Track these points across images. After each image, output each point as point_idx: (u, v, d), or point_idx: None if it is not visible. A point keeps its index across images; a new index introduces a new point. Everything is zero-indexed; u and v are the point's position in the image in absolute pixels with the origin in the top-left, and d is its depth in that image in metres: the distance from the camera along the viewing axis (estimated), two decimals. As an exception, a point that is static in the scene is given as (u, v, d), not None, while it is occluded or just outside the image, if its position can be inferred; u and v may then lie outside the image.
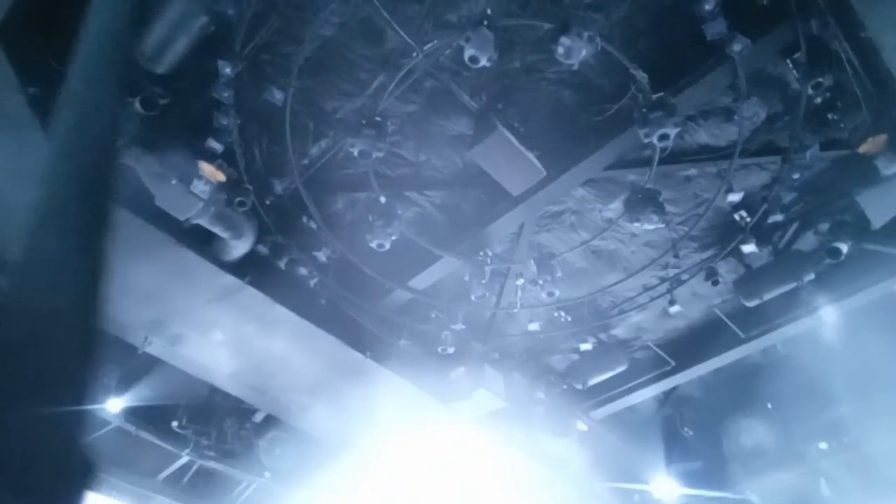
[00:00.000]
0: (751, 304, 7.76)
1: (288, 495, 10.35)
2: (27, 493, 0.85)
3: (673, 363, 9.43)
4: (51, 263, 1.02)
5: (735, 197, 7.28)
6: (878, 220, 6.79)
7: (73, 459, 0.92)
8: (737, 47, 5.84)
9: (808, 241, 7.96)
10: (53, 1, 5.31)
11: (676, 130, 6.09)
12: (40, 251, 1.02)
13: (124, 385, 8.83)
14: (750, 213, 7.46)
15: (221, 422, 9.81)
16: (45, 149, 1.11)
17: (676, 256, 7.98)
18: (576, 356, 9.41)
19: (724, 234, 8.02)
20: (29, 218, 1.03)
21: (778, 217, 7.41)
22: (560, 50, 5.59)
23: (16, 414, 0.90)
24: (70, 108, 1.17)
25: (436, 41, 6.19)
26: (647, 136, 6.12)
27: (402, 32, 6.12)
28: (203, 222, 6.64)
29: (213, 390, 9.31)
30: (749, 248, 7.47)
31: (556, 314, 8.87)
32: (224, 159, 6.52)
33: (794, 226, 7.94)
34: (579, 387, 9.28)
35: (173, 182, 6.22)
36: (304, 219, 7.59)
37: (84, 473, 0.93)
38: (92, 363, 0.99)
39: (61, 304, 1.00)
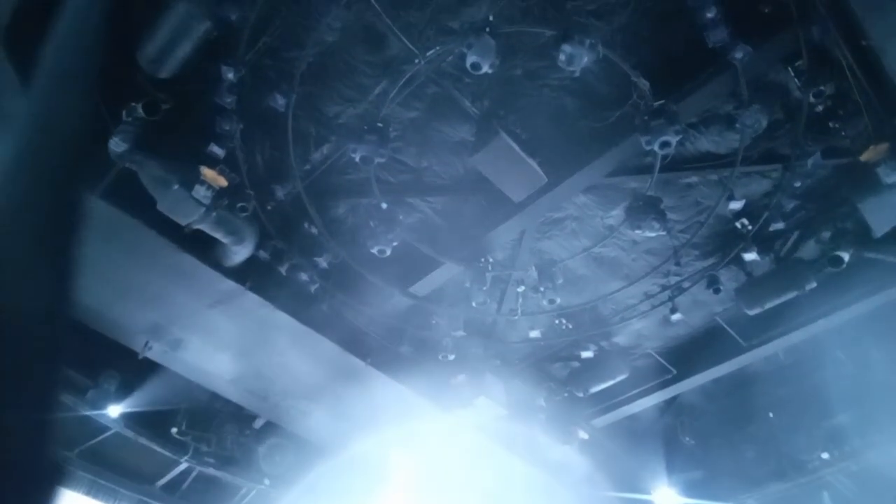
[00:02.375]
0: (752, 312, 7.73)
1: (287, 502, 10.29)
2: None
3: (674, 371, 9.40)
4: (15, 264, 1.00)
5: (736, 205, 7.28)
6: (879, 229, 6.79)
7: (41, 464, 0.90)
8: (738, 55, 5.85)
9: (809, 250, 7.94)
10: (57, 4, 5.34)
11: (678, 138, 6.10)
12: (4, 252, 1.00)
13: (124, 390, 8.80)
14: (751, 221, 7.46)
15: (221, 428, 9.78)
16: (9, 145, 1.08)
17: (678, 264, 7.97)
18: (577, 364, 9.38)
19: (725, 242, 8.00)
20: None
21: (779, 225, 7.40)
22: (562, 57, 5.62)
23: None
24: (36, 106, 1.15)
25: (438, 48, 6.21)
26: (648, 143, 6.13)
27: (404, 39, 6.14)
28: (204, 227, 6.64)
29: (213, 396, 9.29)
30: (750, 256, 7.45)
31: (557, 321, 8.85)
32: (226, 164, 6.53)
33: (796, 234, 7.93)
34: (580, 395, 9.26)
35: (175, 187, 6.23)
36: (306, 224, 7.59)
37: (51, 478, 0.91)
38: (58, 366, 0.97)
39: (26, 306, 0.97)
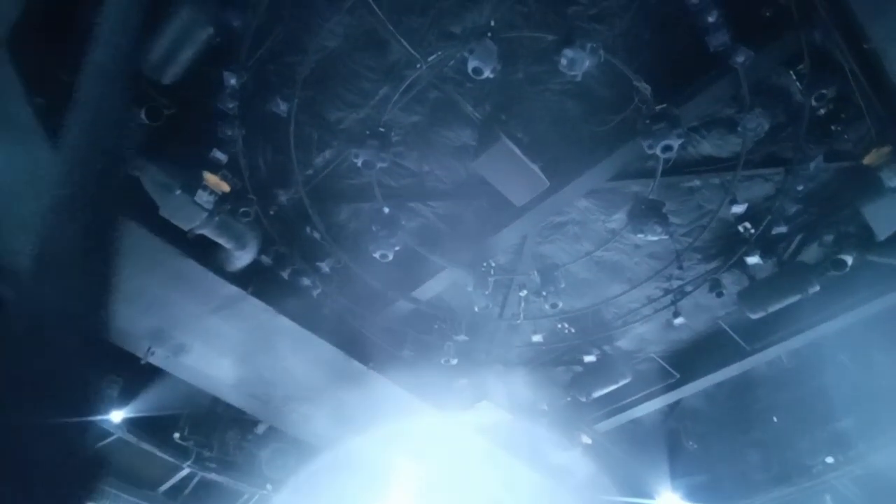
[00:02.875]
0: (755, 316, 7.71)
1: (289, 508, 10.27)
2: (34, 494, 0.86)
3: (677, 375, 9.38)
4: (58, 269, 1.01)
5: (739, 208, 7.27)
6: (882, 232, 6.78)
7: (79, 461, 0.92)
8: (740, 58, 5.85)
9: (812, 253, 7.92)
10: (61, 13, 5.37)
11: (680, 142, 6.10)
12: (48, 258, 1.02)
13: (127, 396, 8.80)
14: (754, 225, 7.45)
15: (223, 433, 9.77)
16: (55, 159, 1.12)
17: (680, 268, 7.95)
18: (580, 368, 9.36)
19: (728, 246, 7.99)
20: (37, 225, 1.02)
21: (782, 228, 7.39)
22: (563, 61, 5.62)
23: (23, 417, 0.90)
24: (79, 119, 1.18)
25: (440, 52, 6.23)
26: (650, 147, 6.13)
27: (406, 44, 6.16)
28: (207, 232, 6.65)
29: (216, 401, 9.28)
30: (753, 259, 7.45)
31: (559, 325, 8.83)
32: (228, 169, 6.54)
33: (799, 237, 7.92)
34: (583, 399, 9.23)
35: (177, 192, 6.24)
36: (308, 229, 7.60)
37: (89, 475, 0.93)
38: (97, 367, 0.99)
39: (68, 308, 1.00)
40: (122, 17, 1.32)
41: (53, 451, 0.90)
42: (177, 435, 9.42)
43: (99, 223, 1.08)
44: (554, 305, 7.68)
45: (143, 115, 6.06)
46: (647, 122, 6.12)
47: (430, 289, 8.20)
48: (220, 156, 6.46)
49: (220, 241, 6.82)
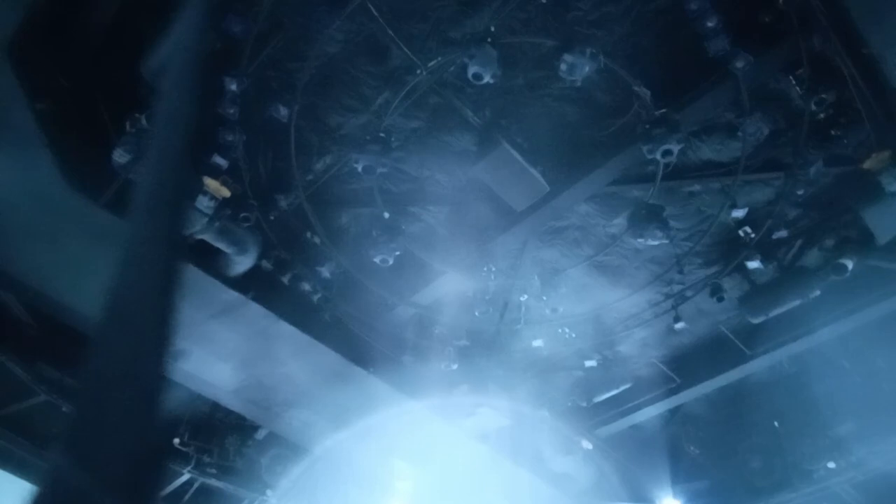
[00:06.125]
0: (756, 320, 7.71)
1: (290, 513, 10.24)
2: (111, 480, 0.96)
3: (678, 380, 9.36)
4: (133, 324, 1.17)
5: (739, 213, 7.28)
6: (882, 237, 6.78)
7: (146, 451, 1.02)
8: (739, 64, 5.87)
9: (813, 258, 7.91)
10: (62, 19, 5.39)
11: (679, 146, 6.12)
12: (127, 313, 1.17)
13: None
14: (754, 229, 7.44)
15: (223, 439, 9.74)
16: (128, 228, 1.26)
17: (681, 272, 7.95)
18: (580, 373, 9.34)
19: (728, 251, 7.99)
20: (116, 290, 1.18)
21: (782, 233, 7.39)
22: (563, 67, 5.65)
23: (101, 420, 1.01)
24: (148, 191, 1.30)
25: (440, 58, 6.25)
26: (650, 151, 6.14)
27: (406, 50, 6.18)
28: (207, 237, 6.65)
29: (216, 407, 9.26)
30: (754, 264, 7.44)
31: (560, 330, 8.82)
32: (229, 175, 6.55)
33: (799, 242, 7.91)
34: (584, 404, 9.22)
35: (178, 197, 6.23)
36: (308, 234, 7.60)
37: (156, 464, 1.05)
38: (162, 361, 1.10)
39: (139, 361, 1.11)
40: (186, 94, 1.42)
41: (132, 439, 0.99)
42: (177, 440, 9.39)
43: (165, 286, 1.20)
44: (554, 310, 7.68)
45: (144, 121, 6.07)
46: (647, 126, 6.14)
47: (431, 294, 8.20)
48: (221, 161, 6.47)
49: (221, 246, 6.83)
